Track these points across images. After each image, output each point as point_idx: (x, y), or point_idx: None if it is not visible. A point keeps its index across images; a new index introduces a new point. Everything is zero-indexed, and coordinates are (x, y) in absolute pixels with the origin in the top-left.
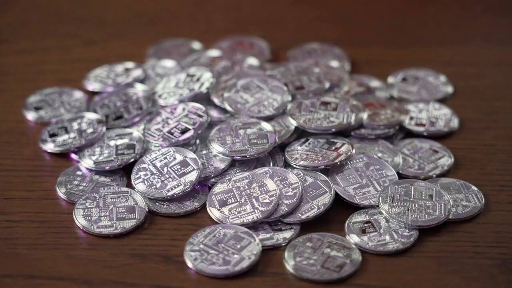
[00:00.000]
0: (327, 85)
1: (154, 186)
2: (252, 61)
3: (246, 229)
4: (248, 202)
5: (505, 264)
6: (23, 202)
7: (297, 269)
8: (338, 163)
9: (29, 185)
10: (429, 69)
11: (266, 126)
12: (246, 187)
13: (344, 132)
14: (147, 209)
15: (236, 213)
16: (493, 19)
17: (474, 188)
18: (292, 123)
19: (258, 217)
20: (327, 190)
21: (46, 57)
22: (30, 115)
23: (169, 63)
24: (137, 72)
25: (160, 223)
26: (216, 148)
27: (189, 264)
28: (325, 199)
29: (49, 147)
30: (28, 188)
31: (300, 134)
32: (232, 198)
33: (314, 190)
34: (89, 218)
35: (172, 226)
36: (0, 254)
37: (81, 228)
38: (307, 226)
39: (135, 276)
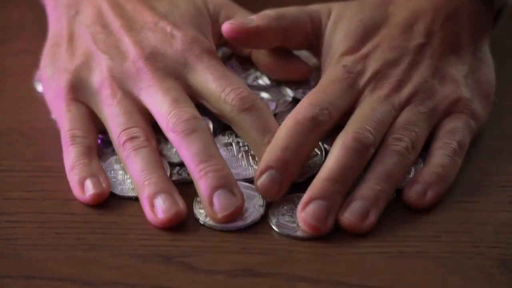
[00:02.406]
0: None
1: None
2: None
3: (247, 184)
4: (245, 158)
5: (505, 265)
6: (23, 202)
7: (279, 226)
8: None
9: (29, 185)
10: None
11: (264, 95)
12: (247, 148)
13: None
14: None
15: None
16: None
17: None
18: (289, 93)
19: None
20: (318, 153)
21: None
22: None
23: None
24: None
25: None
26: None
27: (201, 221)
28: (316, 160)
29: None
30: (28, 188)
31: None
32: (230, 152)
33: None
34: (114, 180)
35: (172, 226)
36: (0, 254)
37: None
38: (293, 189)
39: (135, 277)
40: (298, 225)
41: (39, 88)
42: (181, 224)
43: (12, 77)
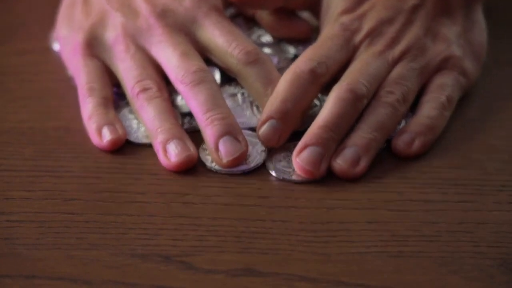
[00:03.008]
0: None
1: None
2: None
3: (251, 132)
4: (249, 108)
5: (505, 264)
6: (23, 202)
7: (276, 171)
8: None
9: (29, 185)
10: None
11: (267, 50)
12: (251, 99)
13: None
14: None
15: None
16: (493, 19)
17: None
18: (291, 51)
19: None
20: (317, 104)
21: (46, 57)
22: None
23: None
24: None
25: (161, 223)
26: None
27: (207, 166)
28: (316, 111)
29: None
30: (28, 188)
31: None
32: (235, 102)
33: None
34: (129, 129)
35: (172, 226)
36: (0, 254)
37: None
38: (293, 137)
39: (135, 276)
40: (293, 170)
41: (56, 47)
42: (180, 225)
43: (12, 77)
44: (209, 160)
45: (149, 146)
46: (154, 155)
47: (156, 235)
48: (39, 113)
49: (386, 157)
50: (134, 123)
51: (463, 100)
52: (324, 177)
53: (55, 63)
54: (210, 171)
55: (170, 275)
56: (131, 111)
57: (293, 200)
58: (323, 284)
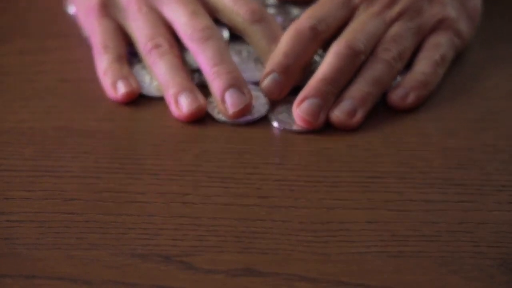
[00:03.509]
0: None
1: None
2: None
3: (255, 86)
4: (254, 63)
5: (505, 264)
6: (23, 202)
7: (278, 121)
8: None
9: (29, 185)
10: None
11: (271, 10)
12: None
13: None
14: None
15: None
16: (493, 19)
17: None
18: (294, 12)
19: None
20: (317, 60)
21: (46, 57)
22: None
23: None
24: None
25: (161, 223)
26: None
27: (214, 117)
28: (316, 66)
29: None
30: (28, 188)
31: None
32: (241, 58)
33: None
34: (142, 84)
35: (172, 226)
36: (0, 254)
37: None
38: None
39: (135, 276)
40: (294, 121)
41: (71, 10)
42: (180, 225)
43: (12, 77)
44: (215, 111)
45: (160, 99)
46: (155, 152)
47: (156, 235)
48: (39, 113)
49: (385, 153)
50: (146, 78)
51: (463, 100)
52: (322, 127)
53: (55, 63)
54: (211, 175)
55: (170, 275)
56: (143, 68)
57: (293, 200)
58: (323, 284)
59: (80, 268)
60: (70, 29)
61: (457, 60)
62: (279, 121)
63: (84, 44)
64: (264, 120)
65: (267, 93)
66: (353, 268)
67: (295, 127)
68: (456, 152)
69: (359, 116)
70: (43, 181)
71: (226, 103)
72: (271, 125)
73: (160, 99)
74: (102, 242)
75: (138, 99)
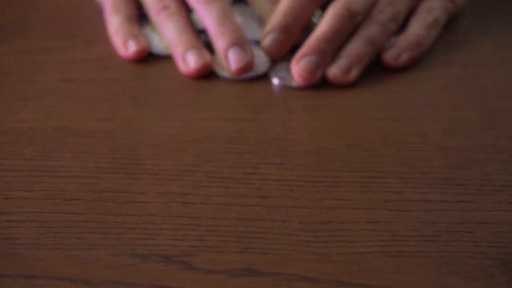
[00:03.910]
0: None
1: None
2: None
3: (256, 45)
4: (256, 23)
5: (505, 264)
6: (23, 202)
7: (278, 78)
8: None
9: (29, 185)
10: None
11: None
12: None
13: None
14: None
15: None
16: (493, 19)
17: None
18: None
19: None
20: (315, 22)
21: (46, 57)
22: None
23: None
24: None
25: (161, 223)
26: None
27: (219, 74)
28: (314, 27)
29: None
30: (28, 188)
31: None
32: (244, 18)
33: None
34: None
35: (172, 226)
36: (0, 254)
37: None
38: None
39: (135, 276)
40: (293, 77)
41: None
42: (180, 225)
43: (12, 77)
44: (219, 67)
45: (168, 57)
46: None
47: (156, 235)
48: (39, 113)
49: (385, 153)
50: (155, 38)
51: (464, 101)
52: (319, 84)
53: (55, 63)
54: (211, 175)
55: (170, 275)
56: (152, 29)
57: (293, 200)
58: (323, 284)
59: (80, 268)
60: (71, 29)
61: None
62: (278, 78)
63: (84, 44)
64: (265, 78)
65: (268, 52)
66: (353, 268)
67: (293, 83)
68: (456, 152)
69: (354, 73)
70: (43, 181)
71: (229, 60)
72: (271, 82)
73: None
74: (102, 242)
75: (147, 58)
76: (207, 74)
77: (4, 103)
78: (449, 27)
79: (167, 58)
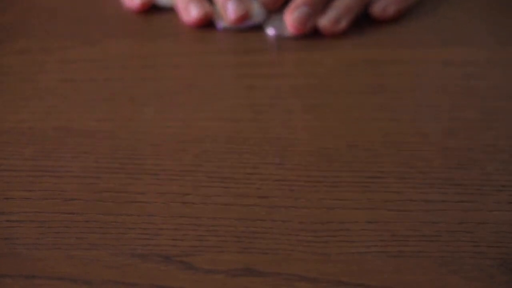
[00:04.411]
0: None
1: None
2: None
3: None
4: None
5: (505, 264)
6: (23, 202)
7: (273, 28)
8: None
9: (29, 185)
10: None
11: None
12: None
13: None
14: None
15: None
16: (493, 19)
17: None
18: None
19: None
20: None
21: (46, 57)
22: None
23: None
24: None
25: (161, 223)
26: None
27: (216, 22)
28: None
29: None
30: (28, 188)
31: None
32: None
33: None
34: None
35: (172, 226)
36: (0, 254)
37: None
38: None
39: (135, 276)
40: (286, 27)
41: None
42: (180, 225)
43: (12, 77)
44: (219, 18)
45: (169, 57)
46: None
47: (156, 235)
48: (39, 113)
49: (385, 153)
50: None
51: (464, 101)
52: (311, 33)
53: (55, 63)
54: (211, 175)
55: (170, 275)
56: None
57: (293, 200)
58: (323, 284)
59: (80, 268)
60: (71, 29)
61: None
62: (273, 28)
63: (84, 44)
64: (260, 29)
65: (264, 4)
66: (353, 268)
67: (286, 33)
68: (456, 152)
69: (343, 24)
70: (43, 181)
71: (228, 10)
72: (265, 33)
73: None
74: (102, 242)
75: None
76: (207, 23)
77: (4, 103)
78: (449, 25)
79: (168, 58)
